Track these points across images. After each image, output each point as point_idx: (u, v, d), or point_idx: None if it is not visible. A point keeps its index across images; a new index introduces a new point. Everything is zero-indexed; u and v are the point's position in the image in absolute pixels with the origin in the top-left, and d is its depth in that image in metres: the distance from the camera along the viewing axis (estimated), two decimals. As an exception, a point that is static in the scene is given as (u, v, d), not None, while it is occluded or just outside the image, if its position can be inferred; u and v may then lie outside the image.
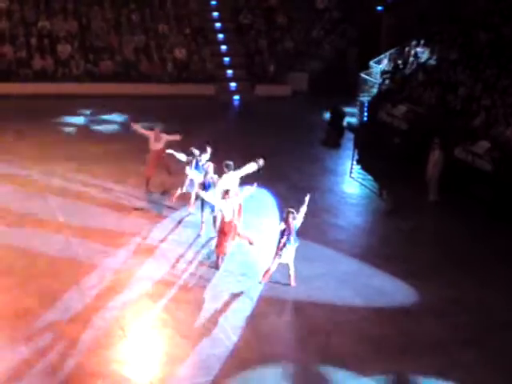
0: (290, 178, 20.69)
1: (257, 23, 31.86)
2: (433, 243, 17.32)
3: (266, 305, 14.02)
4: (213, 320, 13.20)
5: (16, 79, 28.03)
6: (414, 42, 26.15)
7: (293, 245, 14.17)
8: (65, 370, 11.50)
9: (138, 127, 19.19)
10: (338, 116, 25.61)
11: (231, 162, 16.33)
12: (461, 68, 23.18)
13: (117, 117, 25.94)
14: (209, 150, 17.26)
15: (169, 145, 18.41)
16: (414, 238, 17.48)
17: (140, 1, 31.17)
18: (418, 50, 25.91)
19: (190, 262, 15.37)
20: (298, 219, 14.12)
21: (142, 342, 12.53)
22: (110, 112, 26.25)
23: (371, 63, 26.46)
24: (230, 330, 12.96)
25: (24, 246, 15.53)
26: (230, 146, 21.01)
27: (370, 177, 21.44)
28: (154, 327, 12.98)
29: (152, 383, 11.52)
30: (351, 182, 21.14)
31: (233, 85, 30.11)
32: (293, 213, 14.07)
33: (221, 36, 31.76)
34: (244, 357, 12.20)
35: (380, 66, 26.22)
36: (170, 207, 17.98)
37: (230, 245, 15.16)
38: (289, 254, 14.23)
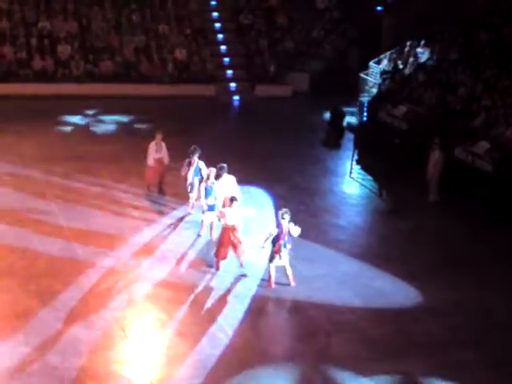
0: (290, 179, 20.69)
1: (257, 23, 31.85)
2: (433, 243, 17.31)
3: (266, 305, 14.04)
4: (212, 320, 13.18)
5: (16, 80, 28.05)
6: (414, 42, 26.15)
7: (287, 247, 14.25)
8: (65, 371, 11.48)
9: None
10: (338, 116, 25.60)
11: (225, 165, 16.43)
12: (461, 68, 23.17)
13: (117, 117, 25.94)
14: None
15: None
16: (414, 238, 17.47)
17: (140, 1, 31.18)
18: (418, 50, 25.92)
19: (190, 263, 15.37)
20: (285, 224, 14.11)
21: (142, 343, 12.52)
22: (110, 112, 26.24)
23: (371, 63, 26.46)
24: (230, 330, 12.94)
25: (24, 246, 15.54)
26: (229, 146, 21.02)
27: (369, 177, 21.44)
28: (154, 327, 12.97)
29: (152, 383, 11.53)
30: (351, 182, 21.14)
31: (233, 85, 30.12)
32: (286, 213, 14.11)
33: (221, 36, 31.77)
34: (243, 357, 12.19)
35: (380, 66, 26.22)
36: (169, 207, 17.99)
37: (229, 250, 15.06)
38: (285, 257, 14.27)
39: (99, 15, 30.50)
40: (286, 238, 14.14)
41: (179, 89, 28.78)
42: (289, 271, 14.43)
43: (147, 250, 15.81)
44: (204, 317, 13.33)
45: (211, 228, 16.31)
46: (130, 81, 28.90)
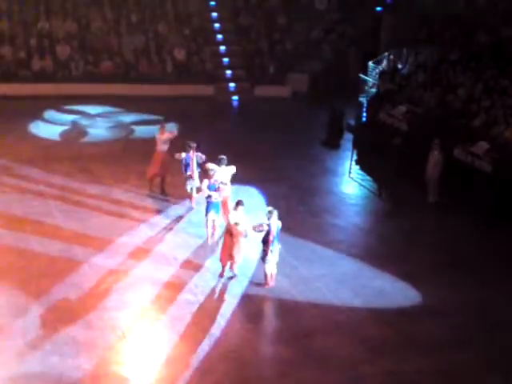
0: (291, 178, 20.69)
1: (256, 24, 31.86)
2: (433, 243, 17.31)
3: (266, 305, 14.04)
4: (212, 320, 13.18)
5: (15, 80, 28.04)
6: (413, 43, 26.12)
7: (276, 246, 14.25)
8: (64, 371, 11.48)
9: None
10: (338, 116, 25.58)
11: (224, 157, 16.64)
12: (461, 69, 23.16)
13: (116, 117, 25.94)
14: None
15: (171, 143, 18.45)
16: (413, 238, 17.47)
17: (140, 1, 31.18)
18: (418, 50, 25.87)
19: (190, 263, 15.36)
20: (274, 222, 14.11)
21: (141, 343, 12.52)
22: (110, 113, 26.24)
23: (371, 64, 26.44)
24: (229, 330, 12.94)
25: (24, 247, 15.53)
26: (229, 146, 20.99)
27: (369, 177, 21.44)
28: (154, 328, 12.96)
29: (151, 384, 11.54)
30: (350, 182, 21.15)
31: (232, 85, 30.13)
32: (271, 212, 14.11)
33: (220, 37, 31.78)
34: (244, 357, 12.19)
35: (380, 66, 26.19)
36: (169, 208, 17.99)
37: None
38: (275, 255, 14.28)
39: (98, 16, 30.51)
40: (275, 235, 14.13)
41: (178, 89, 28.78)
42: (274, 271, 14.41)
43: (147, 250, 15.80)
44: (203, 317, 13.32)
45: (213, 228, 16.28)
46: (129, 81, 28.91)
